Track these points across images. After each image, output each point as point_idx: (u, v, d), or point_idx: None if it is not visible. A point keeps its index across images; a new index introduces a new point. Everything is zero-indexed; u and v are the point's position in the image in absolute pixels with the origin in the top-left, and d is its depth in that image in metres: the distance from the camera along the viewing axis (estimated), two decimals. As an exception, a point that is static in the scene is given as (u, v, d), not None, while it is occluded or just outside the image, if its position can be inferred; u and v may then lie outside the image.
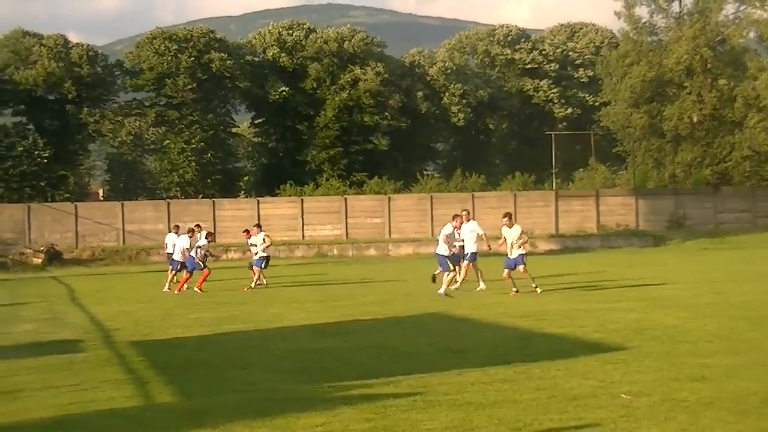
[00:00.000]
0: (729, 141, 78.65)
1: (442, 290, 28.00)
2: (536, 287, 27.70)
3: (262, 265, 37.25)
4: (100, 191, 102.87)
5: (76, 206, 68.01)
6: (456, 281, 29.65)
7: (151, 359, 16.95)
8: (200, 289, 34.50)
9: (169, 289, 35.56)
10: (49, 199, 76.34)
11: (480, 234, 30.33)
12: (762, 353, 15.43)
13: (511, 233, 28.12)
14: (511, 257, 28.18)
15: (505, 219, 28.65)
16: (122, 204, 69.55)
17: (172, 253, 37.58)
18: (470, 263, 30.25)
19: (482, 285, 29.65)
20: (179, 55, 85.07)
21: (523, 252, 28.32)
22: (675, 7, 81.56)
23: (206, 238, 36.89)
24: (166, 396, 13.51)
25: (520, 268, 28.06)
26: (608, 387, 12.62)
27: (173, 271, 36.87)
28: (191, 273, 35.95)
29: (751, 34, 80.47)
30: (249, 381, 14.34)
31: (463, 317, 22.04)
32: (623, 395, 11.94)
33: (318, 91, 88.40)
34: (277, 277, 40.35)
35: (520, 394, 12.32)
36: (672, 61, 77.91)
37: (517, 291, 27.57)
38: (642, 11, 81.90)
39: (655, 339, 17.35)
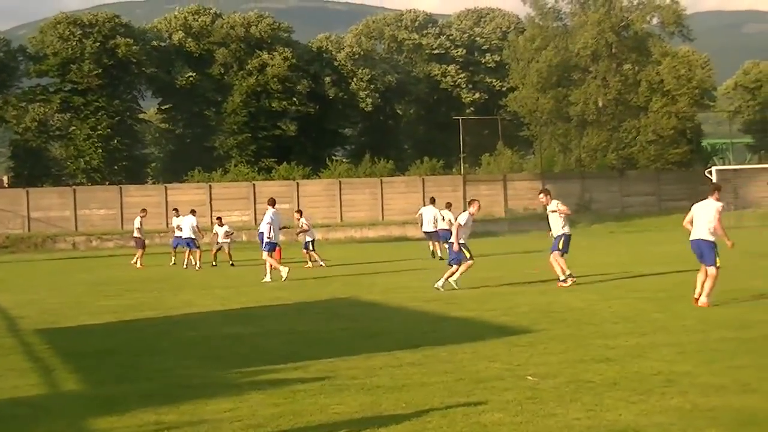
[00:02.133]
0: (634, 125, 79.84)
1: (454, 279, 24.76)
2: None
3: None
4: (5, 178, 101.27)
5: (-21, 193, 67.04)
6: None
7: (58, 347, 16.77)
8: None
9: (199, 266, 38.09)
10: (-48, 187, 75.18)
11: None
12: (667, 334, 15.69)
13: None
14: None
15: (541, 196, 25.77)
16: (27, 191, 68.65)
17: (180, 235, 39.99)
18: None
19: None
20: (84, 41, 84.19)
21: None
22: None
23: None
24: (73, 384, 13.38)
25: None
26: (515, 369, 12.74)
27: (188, 249, 39.39)
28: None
29: (654, 20, 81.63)
30: (158, 368, 14.24)
31: (374, 302, 22.10)
32: (529, 377, 12.07)
33: (225, 77, 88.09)
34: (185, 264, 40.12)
35: (428, 377, 12.39)
36: (578, 46, 78.83)
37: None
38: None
39: (562, 321, 17.55)
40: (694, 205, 20.28)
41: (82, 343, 17.18)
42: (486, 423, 9.82)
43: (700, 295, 19.30)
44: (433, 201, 41.92)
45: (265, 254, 30.39)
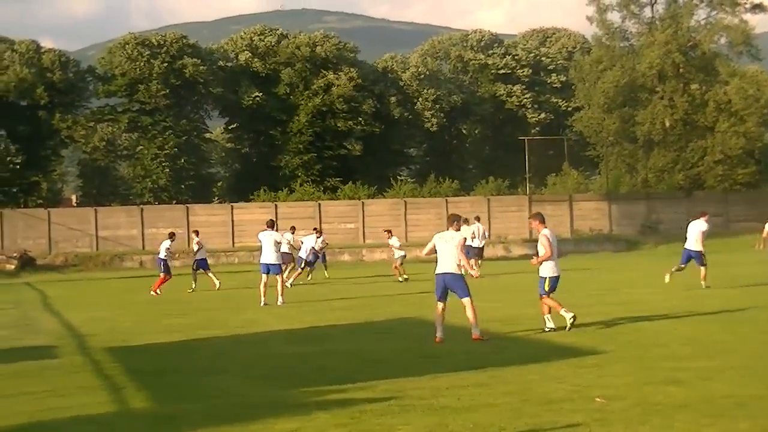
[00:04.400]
0: (701, 145, 79.09)
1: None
2: None
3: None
4: (73, 197, 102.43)
5: (49, 212, 67.73)
6: None
7: (125, 365, 16.90)
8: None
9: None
10: (22, 205, 76.19)
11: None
12: (735, 356, 15.50)
13: None
14: None
15: None
16: (95, 210, 69.27)
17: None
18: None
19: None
20: (152, 61, 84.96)
21: None
22: (647, 12, 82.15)
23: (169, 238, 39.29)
24: (140, 402, 13.47)
25: None
26: (582, 391, 12.64)
27: (299, 269, 40.10)
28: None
29: (722, 40, 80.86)
30: (223, 387, 14.30)
31: (432, 322, 22.06)
32: (597, 399, 11.97)
33: (291, 97, 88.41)
34: (249, 286, 40.26)
35: (495, 398, 12.34)
36: (644, 66, 78.31)
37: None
38: (614, 16, 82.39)
39: (628, 343, 17.40)
40: None
41: (148, 361, 17.30)
42: (553, 445, 9.77)
43: None
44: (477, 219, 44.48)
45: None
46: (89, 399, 13.51)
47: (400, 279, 39.57)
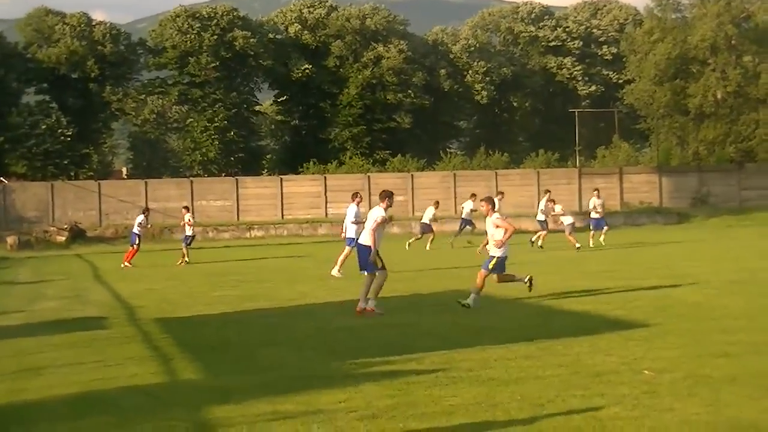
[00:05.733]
0: (753, 118, 78.39)
1: None
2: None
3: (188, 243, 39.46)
4: (124, 169, 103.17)
5: (99, 184, 68.11)
6: None
7: (175, 337, 16.99)
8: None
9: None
10: (73, 178, 76.69)
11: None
12: (787, 330, 15.38)
13: None
14: None
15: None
16: (145, 182, 69.58)
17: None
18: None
19: None
20: (202, 34, 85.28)
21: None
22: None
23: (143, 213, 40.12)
24: (190, 373, 13.55)
25: None
26: (631, 363, 12.60)
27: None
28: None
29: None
30: (273, 359, 14.36)
31: (486, 294, 22.00)
32: (646, 371, 11.93)
33: (341, 69, 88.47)
34: (300, 256, 40.51)
35: (543, 370, 12.32)
36: (696, 39, 77.58)
37: None
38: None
39: (679, 316, 17.31)
40: None
41: (198, 333, 17.38)
42: (602, 417, 9.72)
43: None
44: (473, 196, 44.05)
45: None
46: (139, 370, 13.60)
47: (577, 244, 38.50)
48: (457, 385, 11.50)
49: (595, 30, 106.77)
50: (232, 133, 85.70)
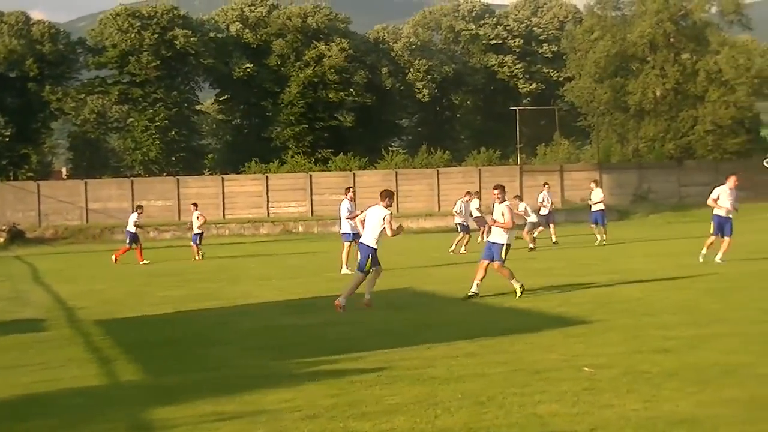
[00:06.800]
0: (692, 115, 79.22)
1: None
2: None
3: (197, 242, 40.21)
4: (63, 170, 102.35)
5: (38, 185, 67.72)
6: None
7: (117, 338, 16.92)
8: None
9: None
10: (12, 178, 76.17)
11: None
12: (724, 324, 15.55)
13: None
14: None
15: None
16: (85, 182, 69.25)
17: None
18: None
19: None
20: (142, 32, 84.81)
21: None
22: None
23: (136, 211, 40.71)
24: (132, 374, 13.51)
25: None
26: (571, 360, 12.70)
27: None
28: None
29: (713, 9, 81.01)
30: (217, 358, 14.36)
31: (430, 293, 22.11)
32: (586, 368, 12.02)
33: (282, 68, 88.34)
34: (242, 256, 40.44)
35: (485, 368, 12.38)
36: (636, 36, 78.30)
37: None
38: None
39: (619, 312, 17.46)
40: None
41: (141, 334, 17.34)
42: (542, 414, 9.81)
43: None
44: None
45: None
46: (81, 371, 13.55)
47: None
48: (399, 384, 11.55)
49: (535, 28, 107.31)
50: (173, 133, 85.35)
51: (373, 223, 20.07)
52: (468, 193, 41.18)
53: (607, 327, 15.73)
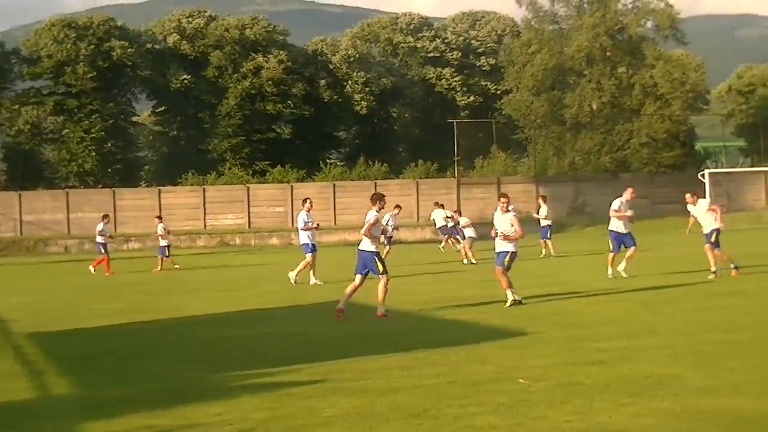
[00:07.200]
0: (627, 128, 79.94)
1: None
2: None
3: (165, 253, 40.24)
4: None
5: (-28, 197, 66.96)
6: None
7: (49, 351, 16.76)
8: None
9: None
10: (-55, 189, 75.12)
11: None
12: (657, 336, 15.69)
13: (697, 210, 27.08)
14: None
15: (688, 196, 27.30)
16: (20, 194, 68.58)
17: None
18: None
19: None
20: (78, 43, 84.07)
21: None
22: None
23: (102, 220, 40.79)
24: (64, 387, 13.36)
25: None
26: (507, 372, 12.72)
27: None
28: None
29: (649, 24, 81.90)
30: (151, 372, 14.24)
31: (367, 305, 22.09)
32: (521, 380, 12.05)
33: (220, 80, 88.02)
34: (179, 269, 40.25)
35: (421, 380, 12.38)
36: (573, 50, 78.89)
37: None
38: (543, 0, 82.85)
39: (555, 324, 17.54)
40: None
41: (73, 347, 17.17)
42: (478, 426, 9.80)
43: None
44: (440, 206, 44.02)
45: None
46: (10, 386, 13.37)
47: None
48: (334, 396, 11.51)
49: (473, 41, 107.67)
50: (109, 144, 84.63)
51: (364, 227, 20.17)
52: (397, 206, 40.59)
53: (543, 339, 15.81)
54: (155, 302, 25.33)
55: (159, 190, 70.96)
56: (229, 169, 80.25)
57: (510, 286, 20.97)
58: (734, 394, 10.94)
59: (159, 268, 39.74)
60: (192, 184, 72.83)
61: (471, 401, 10.92)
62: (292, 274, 29.17)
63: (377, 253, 20.26)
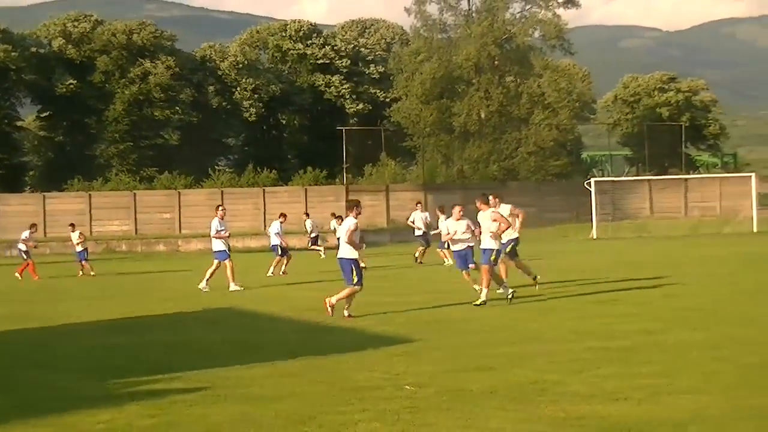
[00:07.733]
0: (515, 137, 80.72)
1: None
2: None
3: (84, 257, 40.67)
4: None
5: None
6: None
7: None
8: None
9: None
10: None
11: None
12: (541, 343, 15.89)
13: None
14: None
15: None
16: None
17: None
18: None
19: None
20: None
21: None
22: (464, 4, 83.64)
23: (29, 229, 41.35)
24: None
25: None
26: (393, 379, 12.79)
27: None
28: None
29: (536, 33, 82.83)
30: (33, 380, 14.04)
31: (254, 312, 22.04)
32: (407, 387, 12.12)
33: (107, 85, 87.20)
34: (65, 276, 39.75)
35: (306, 386, 12.40)
36: (461, 58, 79.49)
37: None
38: (432, 8, 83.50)
39: (441, 331, 17.66)
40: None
41: (-45, 355, 16.86)
42: (362, 432, 9.86)
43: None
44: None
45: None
46: None
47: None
48: (220, 404, 11.48)
49: (362, 49, 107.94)
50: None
51: (342, 235, 20.70)
52: (282, 215, 40.74)
53: (429, 346, 15.90)
54: (40, 309, 24.94)
55: (44, 195, 69.97)
56: (116, 175, 79.49)
57: (488, 285, 21.67)
58: (611, 400, 11.14)
59: (81, 273, 39.76)
60: (78, 190, 71.88)
61: (356, 408, 10.97)
62: (202, 285, 28.98)
63: (355, 261, 20.47)
